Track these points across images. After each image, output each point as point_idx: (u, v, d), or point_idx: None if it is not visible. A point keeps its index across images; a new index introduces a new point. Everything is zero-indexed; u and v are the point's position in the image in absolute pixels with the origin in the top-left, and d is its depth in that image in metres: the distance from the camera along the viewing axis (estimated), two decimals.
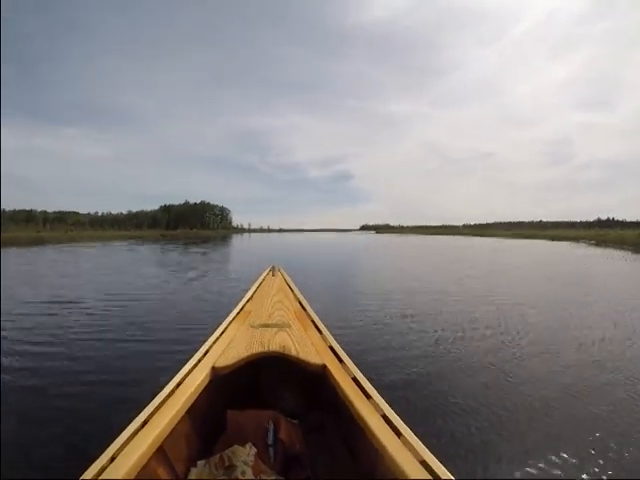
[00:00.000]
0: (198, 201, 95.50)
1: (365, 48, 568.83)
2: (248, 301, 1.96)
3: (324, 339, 1.46)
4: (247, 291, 2.16)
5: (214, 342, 1.38)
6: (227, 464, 1.07)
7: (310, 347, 1.34)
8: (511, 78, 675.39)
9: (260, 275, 2.59)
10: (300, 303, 1.94)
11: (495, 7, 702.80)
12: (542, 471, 1.49)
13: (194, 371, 1.16)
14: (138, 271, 8.48)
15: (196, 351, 1.30)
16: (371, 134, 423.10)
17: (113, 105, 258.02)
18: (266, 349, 1.27)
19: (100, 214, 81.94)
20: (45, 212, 66.76)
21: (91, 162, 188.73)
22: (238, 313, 1.75)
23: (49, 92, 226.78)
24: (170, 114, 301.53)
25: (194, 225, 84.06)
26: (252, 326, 1.54)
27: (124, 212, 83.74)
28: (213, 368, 1.20)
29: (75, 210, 77.51)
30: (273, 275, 2.60)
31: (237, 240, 33.88)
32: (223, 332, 1.49)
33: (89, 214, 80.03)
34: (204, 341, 1.39)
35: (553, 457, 1.57)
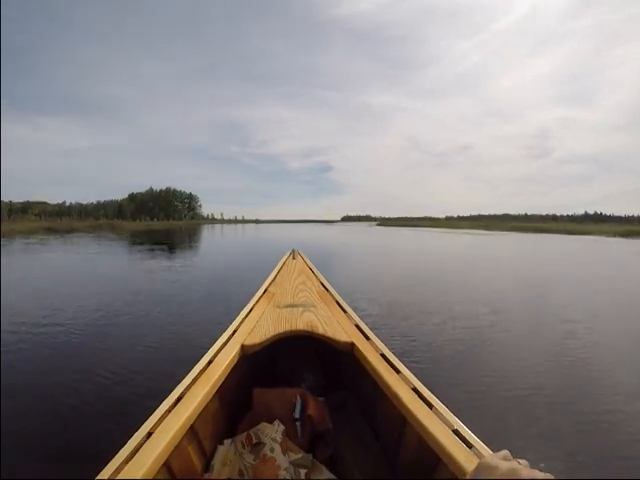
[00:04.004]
0: (163, 188, 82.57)
1: (346, 41, 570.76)
2: (271, 283, 1.95)
3: (349, 318, 1.45)
4: (269, 274, 2.14)
5: (242, 321, 1.37)
6: (255, 441, 1.05)
7: (337, 325, 1.33)
8: (493, 72, 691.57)
9: (281, 259, 2.58)
10: (323, 285, 1.94)
11: (478, 1, 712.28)
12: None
13: (224, 349, 1.15)
14: None
15: (224, 330, 1.28)
16: (353, 126, 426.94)
17: (93, 96, 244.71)
18: (294, 328, 1.27)
19: (68, 204, 76.75)
20: (11, 202, 62.51)
21: (72, 153, 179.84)
22: (262, 294, 1.74)
23: (27, 81, 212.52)
24: (152, 105, 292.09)
25: (156, 215, 72.87)
26: (278, 306, 1.53)
27: (94, 202, 78.99)
28: (242, 346, 1.19)
29: (45, 200, 72.98)
30: (293, 258, 2.60)
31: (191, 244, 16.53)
32: (250, 312, 1.48)
33: (58, 204, 75.47)
34: (231, 321, 1.37)
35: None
